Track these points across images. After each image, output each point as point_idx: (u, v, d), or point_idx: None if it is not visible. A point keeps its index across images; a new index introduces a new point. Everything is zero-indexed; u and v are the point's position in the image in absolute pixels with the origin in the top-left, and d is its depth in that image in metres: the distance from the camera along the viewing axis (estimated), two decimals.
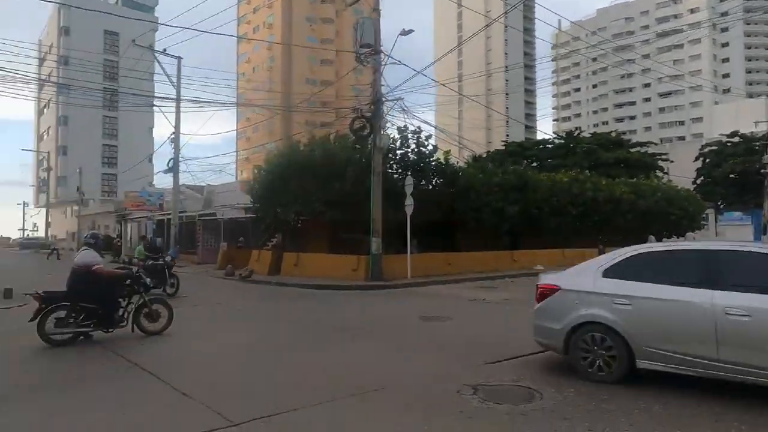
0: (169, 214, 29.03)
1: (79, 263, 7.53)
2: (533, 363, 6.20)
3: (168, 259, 13.86)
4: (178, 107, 24.88)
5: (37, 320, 7.06)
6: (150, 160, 64.18)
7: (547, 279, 5.94)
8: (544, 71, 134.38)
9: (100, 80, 63.58)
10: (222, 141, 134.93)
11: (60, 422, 4.34)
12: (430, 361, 6.38)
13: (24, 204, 72.93)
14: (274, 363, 6.35)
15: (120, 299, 7.68)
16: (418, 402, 4.74)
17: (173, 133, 25.58)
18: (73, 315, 7.27)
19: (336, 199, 17.46)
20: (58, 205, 64.20)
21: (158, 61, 25.24)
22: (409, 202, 16.57)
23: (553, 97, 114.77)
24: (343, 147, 18.79)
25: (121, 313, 7.65)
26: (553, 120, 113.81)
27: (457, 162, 22.31)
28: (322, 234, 20.96)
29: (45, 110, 71.25)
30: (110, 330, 7.54)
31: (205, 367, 6.21)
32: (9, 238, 68.23)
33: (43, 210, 67.55)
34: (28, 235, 68.26)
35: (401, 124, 19.25)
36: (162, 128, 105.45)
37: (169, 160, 25.51)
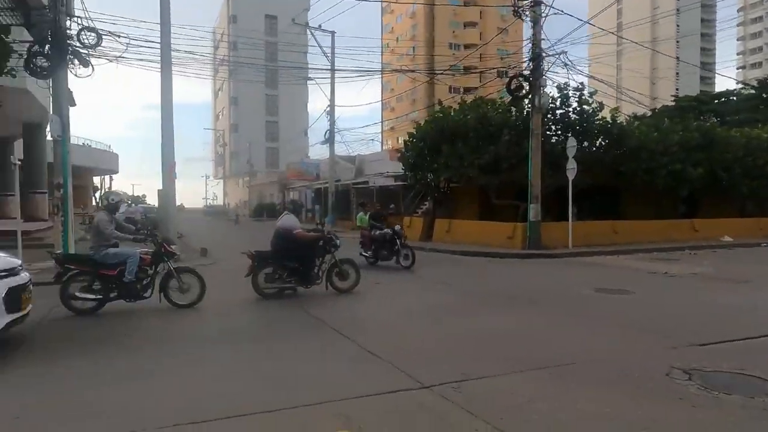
0: (325, 183, 31.01)
1: (283, 226, 8.29)
2: (754, 348, 5.24)
3: (397, 228, 12.16)
4: (332, 79, 26.07)
5: (251, 276, 8.06)
6: (305, 134, 69.36)
7: None
8: (726, 10, 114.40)
9: (262, 61, 69.75)
10: (368, 112, 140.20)
11: (270, 368, 4.73)
12: (619, 338, 5.76)
13: (206, 176, 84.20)
14: (449, 328, 6.27)
15: (316, 259, 8.33)
16: (621, 381, 4.26)
17: (329, 105, 26.95)
18: (279, 272, 8.12)
19: (489, 164, 16.88)
20: (232, 176, 72.81)
21: (314, 37, 26.56)
22: (572, 165, 15.32)
23: (738, 40, 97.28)
24: (496, 110, 17.99)
25: (316, 271, 8.32)
26: (738, 68, 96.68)
27: (628, 120, 20.01)
28: (473, 200, 20.61)
29: (219, 92, 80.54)
30: (309, 286, 8.29)
31: (384, 328, 6.38)
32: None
33: (221, 181, 77.23)
34: (209, 203, 78.75)
35: (561, 81, 17.55)
36: (315, 103, 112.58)
37: (326, 132, 27.02)
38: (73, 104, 11.11)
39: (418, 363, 4.73)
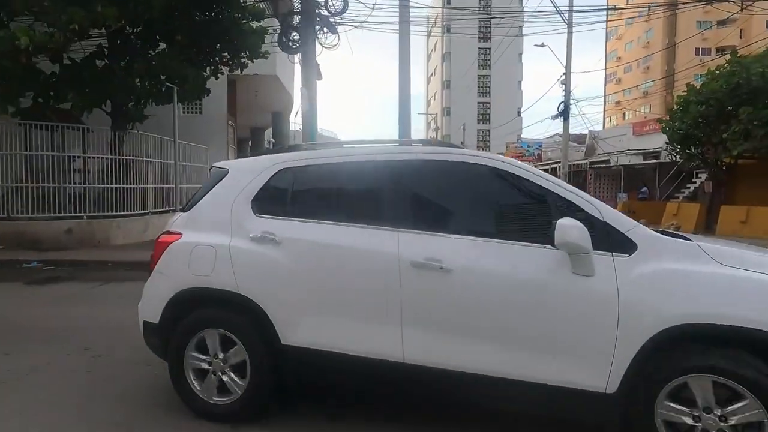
0: (553, 162, 27.73)
1: None
2: None
3: None
4: (569, 40, 22.62)
5: None
6: (519, 114, 65.86)
7: None
8: None
9: (474, 43, 68.37)
10: (580, 92, 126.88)
11: None
12: None
13: None
14: None
15: None
16: None
17: (563, 74, 23.60)
18: None
19: None
20: None
21: None
22: None
23: None
24: None
25: None
26: None
27: None
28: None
29: (431, 78, 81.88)
30: None
31: None
32: None
33: None
34: None
35: None
36: (528, 81, 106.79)
37: (560, 104, 23.70)
38: (320, 78, 10.66)
39: None
